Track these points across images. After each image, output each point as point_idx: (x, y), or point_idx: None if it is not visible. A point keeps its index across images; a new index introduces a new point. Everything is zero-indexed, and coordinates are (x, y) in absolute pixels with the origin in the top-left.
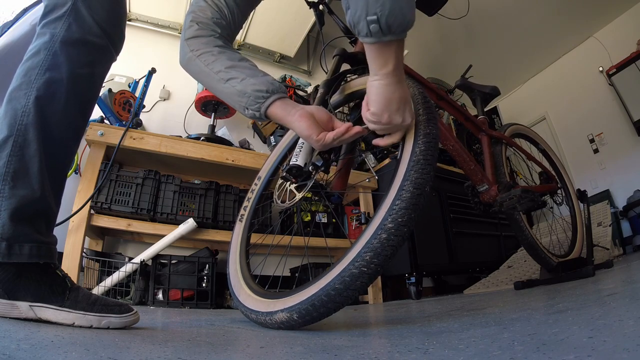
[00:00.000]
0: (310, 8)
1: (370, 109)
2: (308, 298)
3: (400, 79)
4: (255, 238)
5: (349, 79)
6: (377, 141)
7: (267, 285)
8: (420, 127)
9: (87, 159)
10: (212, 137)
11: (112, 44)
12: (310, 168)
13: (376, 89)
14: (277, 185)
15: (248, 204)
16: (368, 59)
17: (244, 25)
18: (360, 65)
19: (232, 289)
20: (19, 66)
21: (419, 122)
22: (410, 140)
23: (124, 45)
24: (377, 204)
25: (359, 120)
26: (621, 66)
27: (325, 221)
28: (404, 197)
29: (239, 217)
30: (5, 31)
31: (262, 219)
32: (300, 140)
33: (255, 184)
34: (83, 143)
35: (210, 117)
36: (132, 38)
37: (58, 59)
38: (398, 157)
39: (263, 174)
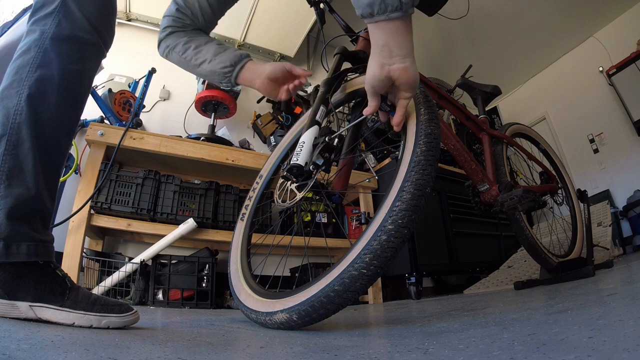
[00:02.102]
0: (311, 7)
1: (411, 92)
2: (307, 299)
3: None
4: (255, 238)
5: (349, 78)
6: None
7: (267, 285)
8: (422, 127)
9: (87, 159)
10: (212, 137)
11: (102, 40)
12: (311, 167)
13: (410, 71)
14: (277, 185)
15: (250, 202)
16: (386, 39)
17: (244, 26)
18: (361, 64)
19: (233, 288)
20: (10, 64)
21: (420, 122)
22: (412, 140)
23: (125, 46)
24: (377, 205)
25: (359, 119)
26: (621, 66)
27: (326, 221)
28: (405, 199)
29: (240, 215)
30: (5, 31)
31: (263, 218)
32: (301, 140)
33: (257, 183)
34: (83, 143)
35: (210, 117)
36: (132, 38)
37: (49, 56)
38: (399, 157)
39: (265, 172)
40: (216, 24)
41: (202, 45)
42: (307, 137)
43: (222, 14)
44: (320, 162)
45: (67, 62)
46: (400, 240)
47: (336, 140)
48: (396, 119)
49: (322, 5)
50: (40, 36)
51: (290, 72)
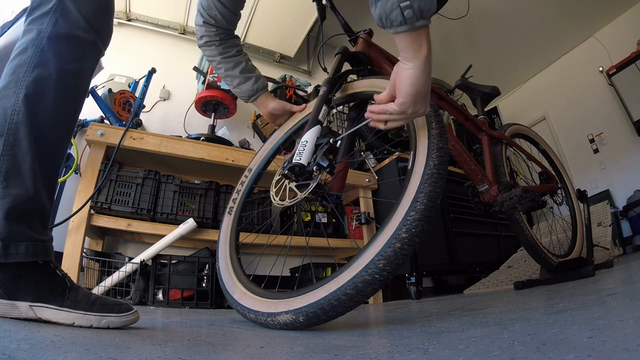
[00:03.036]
0: (313, 1)
1: (400, 99)
2: (317, 301)
3: (430, 66)
4: (253, 237)
5: (349, 80)
6: (377, 124)
7: (262, 284)
8: (434, 141)
9: (87, 159)
10: (212, 137)
11: (99, 39)
12: (314, 168)
13: (411, 78)
14: (274, 182)
15: (237, 196)
16: (401, 49)
17: (244, 26)
18: (361, 66)
19: (225, 285)
20: (7, 64)
21: (432, 136)
22: (424, 153)
23: (125, 46)
24: (377, 205)
25: (360, 119)
26: (621, 66)
27: (325, 221)
28: (418, 209)
29: (228, 209)
30: (5, 31)
31: (252, 214)
32: (303, 139)
33: (245, 176)
34: (83, 143)
35: (210, 117)
36: (132, 38)
37: (46, 55)
38: (409, 167)
39: (254, 166)
40: (238, 19)
41: (229, 70)
42: (310, 137)
43: (239, 11)
44: (325, 163)
45: (64, 62)
46: (412, 247)
47: (339, 142)
48: (377, 124)
49: (324, 1)
50: (37, 35)
51: (289, 110)
